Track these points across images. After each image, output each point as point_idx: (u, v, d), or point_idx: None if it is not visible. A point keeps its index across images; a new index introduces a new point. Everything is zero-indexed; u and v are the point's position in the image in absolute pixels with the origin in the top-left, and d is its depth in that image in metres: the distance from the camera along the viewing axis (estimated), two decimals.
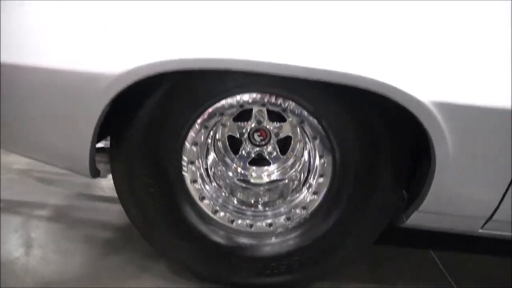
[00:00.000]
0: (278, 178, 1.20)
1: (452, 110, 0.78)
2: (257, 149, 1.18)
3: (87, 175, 1.02)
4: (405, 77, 0.77)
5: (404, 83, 0.77)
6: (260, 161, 1.20)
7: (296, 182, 1.13)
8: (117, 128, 0.96)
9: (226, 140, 1.19)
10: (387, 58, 0.78)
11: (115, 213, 1.46)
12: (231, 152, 1.20)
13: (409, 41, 0.78)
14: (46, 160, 1.08)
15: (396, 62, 0.78)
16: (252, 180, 1.19)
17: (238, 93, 0.90)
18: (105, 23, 0.83)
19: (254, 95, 0.90)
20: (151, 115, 0.92)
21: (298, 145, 1.17)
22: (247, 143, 1.17)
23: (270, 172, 1.22)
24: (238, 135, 1.15)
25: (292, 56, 0.78)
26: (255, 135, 1.15)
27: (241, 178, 1.19)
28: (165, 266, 1.18)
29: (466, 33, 0.77)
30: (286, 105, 0.91)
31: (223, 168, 1.18)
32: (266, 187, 1.19)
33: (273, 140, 1.15)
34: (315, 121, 0.92)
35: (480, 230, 1.02)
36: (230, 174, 1.18)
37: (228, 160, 1.20)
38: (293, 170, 1.18)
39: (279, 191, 1.15)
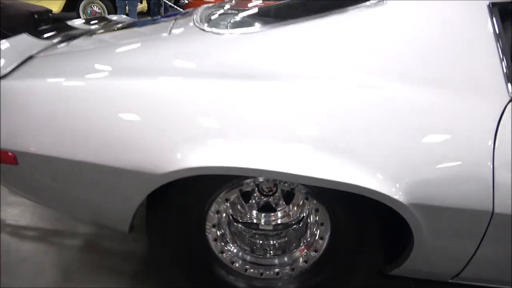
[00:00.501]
0: (282, 222, 1.39)
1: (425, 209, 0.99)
2: (265, 198, 1.37)
3: (126, 231, 1.22)
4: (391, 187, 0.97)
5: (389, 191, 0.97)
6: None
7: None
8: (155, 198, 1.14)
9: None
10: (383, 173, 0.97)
11: (141, 242, 1.66)
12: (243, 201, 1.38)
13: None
14: (88, 219, 1.28)
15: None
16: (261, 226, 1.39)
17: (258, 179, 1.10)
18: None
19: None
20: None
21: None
22: (257, 193, 1.35)
23: (276, 218, 1.41)
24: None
25: (302, 169, 0.97)
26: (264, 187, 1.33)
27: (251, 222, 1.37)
28: None
29: None
30: (295, 185, 1.11)
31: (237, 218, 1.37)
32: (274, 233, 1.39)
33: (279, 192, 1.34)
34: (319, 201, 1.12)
35: (450, 280, 1.26)
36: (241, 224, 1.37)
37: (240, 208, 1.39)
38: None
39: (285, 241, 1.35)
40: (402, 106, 1.01)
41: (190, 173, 0.98)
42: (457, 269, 1.17)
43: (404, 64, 1.03)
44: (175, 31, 1.24)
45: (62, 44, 1.35)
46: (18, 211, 1.82)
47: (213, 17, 1.39)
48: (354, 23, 1.07)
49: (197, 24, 1.23)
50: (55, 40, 1.38)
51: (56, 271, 1.52)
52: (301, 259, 1.26)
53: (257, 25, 1.24)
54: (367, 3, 1.07)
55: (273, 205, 1.34)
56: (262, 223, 1.31)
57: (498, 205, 0.98)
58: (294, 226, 1.32)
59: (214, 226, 1.22)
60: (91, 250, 1.64)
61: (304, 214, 1.29)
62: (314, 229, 1.23)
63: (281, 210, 1.32)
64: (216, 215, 1.20)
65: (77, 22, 1.74)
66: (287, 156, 0.97)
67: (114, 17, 2.08)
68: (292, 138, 0.98)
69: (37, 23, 1.74)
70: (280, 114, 1.00)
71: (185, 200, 1.14)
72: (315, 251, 1.24)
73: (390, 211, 1.03)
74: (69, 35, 1.49)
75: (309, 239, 1.26)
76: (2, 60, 1.17)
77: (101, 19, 1.94)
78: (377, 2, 1.07)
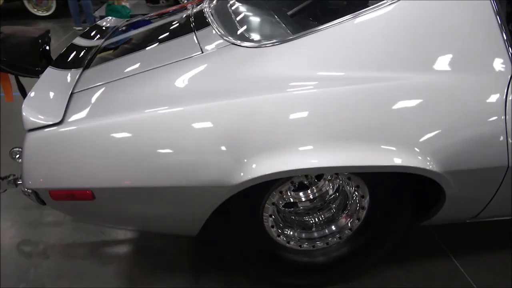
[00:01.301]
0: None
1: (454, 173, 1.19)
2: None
3: (194, 235, 1.37)
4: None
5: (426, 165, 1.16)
6: None
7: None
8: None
9: None
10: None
11: (184, 239, 1.81)
12: None
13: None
14: (159, 231, 1.40)
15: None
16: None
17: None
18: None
19: None
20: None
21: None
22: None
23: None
24: None
25: (357, 160, 1.13)
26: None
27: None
28: None
29: None
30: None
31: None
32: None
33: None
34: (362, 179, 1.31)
35: (467, 221, 1.52)
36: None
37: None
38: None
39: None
40: (421, 91, 1.17)
41: (264, 179, 1.12)
42: (476, 212, 1.42)
43: (422, 56, 1.19)
44: (207, 47, 1.31)
45: (89, 71, 1.39)
46: (59, 230, 1.90)
47: (237, 25, 1.46)
48: (383, 21, 1.19)
49: (227, 39, 1.31)
50: (80, 68, 1.42)
51: (120, 280, 1.65)
52: (347, 227, 1.46)
53: (286, 31, 1.34)
54: (385, 2, 1.20)
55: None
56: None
57: None
58: (335, 200, 1.50)
59: (270, 216, 1.38)
60: (144, 253, 1.77)
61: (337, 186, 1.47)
62: (356, 201, 1.42)
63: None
64: (271, 206, 1.36)
65: (82, 41, 1.74)
66: (342, 151, 1.13)
67: (104, 22, 2.07)
68: (340, 135, 1.14)
69: (41, 46, 1.72)
70: (325, 116, 1.14)
71: (246, 199, 1.28)
72: (358, 219, 1.44)
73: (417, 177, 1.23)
74: (86, 58, 1.52)
75: (351, 209, 1.45)
76: (48, 106, 1.22)
77: (96, 29, 1.92)
78: (391, 1, 1.20)
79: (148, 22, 1.95)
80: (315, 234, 1.49)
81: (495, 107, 1.18)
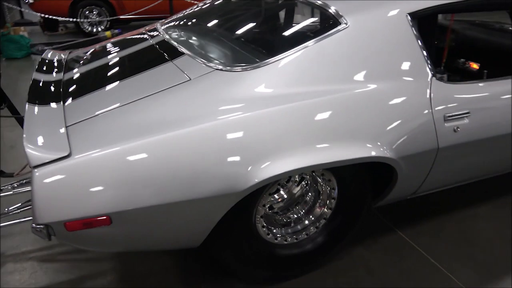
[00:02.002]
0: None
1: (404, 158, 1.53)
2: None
3: (196, 246, 1.49)
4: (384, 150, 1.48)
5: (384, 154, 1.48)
6: None
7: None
8: None
9: None
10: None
11: None
12: None
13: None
14: (166, 248, 1.47)
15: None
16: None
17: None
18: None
19: None
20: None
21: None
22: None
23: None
24: None
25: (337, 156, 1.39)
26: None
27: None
28: None
29: None
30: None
31: None
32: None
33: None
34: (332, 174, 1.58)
35: (408, 197, 1.89)
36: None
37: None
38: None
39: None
40: (374, 96, 1.50)
41: (266, 183, 1.31)
42: (415, 189, 1.79)
43: (368, 70, 1.51)
44: (192, 74, 1.46)
45: (72, 104, 1.44)
46: (33, 275, 1.81)
47: (209, 54, 1.62)
48: (334, 46, 1.49)
49: (210, 65, 1.48)
50: (59, 102, 1.46)
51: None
52: (321, 217, 1.71)
53: (254, 56, 1.56)
54: (338, 27, 1.50)
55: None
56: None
57: (441, 142, 1.59)
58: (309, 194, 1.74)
59: (262, 217, 1.57)
60: (131, 278, 1.80)
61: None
62: (327, 192, 1.68)
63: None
64: (262, 208, 1.55)
65: (43, 76, 1.73)
66: (324, 151, 1.38)
67: (49, 55, 2.05)
68: (319, 138, 1.39)
69: None
70: (305, 125, 1.39)
71: (242, 204, 1.44)
72: (330, 208, 1.71)
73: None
74: (58, 92, 1.55)
75: (323, 200, 1.70)
76: (49, 141, 1.25)
77: (48, 63, 1.90)
78: (344, 26, 1.51)
79: (102, 53, 2.00)
80: (298, 227, 1.71)
81: (424, 103, 1.56)
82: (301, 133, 1.37)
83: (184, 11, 2.41)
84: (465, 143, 1.67)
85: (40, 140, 1.25)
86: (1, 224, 1.80)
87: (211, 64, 1.50)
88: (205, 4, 2.40)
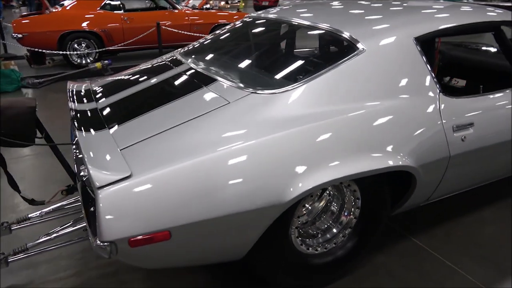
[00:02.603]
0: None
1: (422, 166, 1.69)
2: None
3: (241, 257, 1.57)
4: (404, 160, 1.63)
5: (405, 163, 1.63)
6: None
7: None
8: None
9: None
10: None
11: None
12: None
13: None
14: (212, 262, 1.55)
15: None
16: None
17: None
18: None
19: None
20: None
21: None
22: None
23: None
24: None
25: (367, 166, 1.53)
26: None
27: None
28: None
29: None
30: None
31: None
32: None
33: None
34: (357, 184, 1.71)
35: (421, 204, 2.04)
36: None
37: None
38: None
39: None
40: (393, 111, 1.66)
41: (310, 192, 1.43)
42: (428, 196, 1.95)
43: (387, 88, 1.69)
44: (230, 97, 1.59)
45: (119, 129, 1.54)
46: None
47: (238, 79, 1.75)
48: (356, 68, 1.66)
49: (246, 90, 1.62)
50: (104, 129, 1.55)
51: None
52: (348, 226, 1.83)
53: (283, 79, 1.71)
54: (357, 51, 1.68)
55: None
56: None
57: (452, 150, 1.76)
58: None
59: (296, 228, 1.67)
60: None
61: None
62: (352, 202, 1.81)
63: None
64: (297, 219, 1.66)
65: (79, 106, 1.82)
66: (354, 163, 1.52)
67: (75, 87, 2.14)
68: (352, 151, 1.53)
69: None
70: (340, 138, 1.53)
71: (282, 215, 1.55)
72: (355, 217, 1.83)
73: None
74: (100, 118, 1.64)
75: (348, 209, 1.83)
76: (108, 163, 1.34)
77: (77, 94, 1.99)
78: (361, 51, 1.68)
79: (127, 82, 2.10)
80: (327, 236, 1.82)
81: (435, 115, 1.74)
82: (335, 146, 1.51)
83: (203, 39, 2.55)
84: (472, 151, 1.85)
85: (101, 163, 1.34)
86: (50, 248, 1.84)
87: (245, 88, 1.63)
88: (222, 32, 2.56)
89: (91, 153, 1.38)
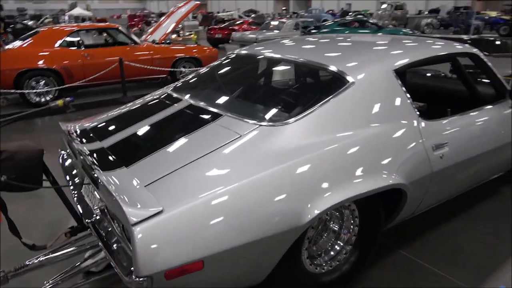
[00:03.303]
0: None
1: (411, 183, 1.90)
2: None
3: (260, 281, 1.65)
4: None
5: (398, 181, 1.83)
6: None
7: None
8: None
9: None
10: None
11: None
12: None
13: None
14: (238, 286, 1.61)
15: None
16: None
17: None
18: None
19: None
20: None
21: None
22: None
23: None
24: None
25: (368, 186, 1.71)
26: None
27: None
28: None
29: None
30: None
31: None
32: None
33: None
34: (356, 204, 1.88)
35: (407, 218, 2.25)
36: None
37: None
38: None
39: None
40: (384, 136, 1.87)
41: (323, 214, 1.57)
42: (415, 209, 2.16)
43: (376, 115, 1.90)
44: (240, 131, 1.72)
45: (135, 166, 1.60)
46: None
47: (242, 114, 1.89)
48: (348, 100, 1.86)
49: (254, 123, 1.75)
50: (122, 167, 1.61)
51: None
52: (347, 244, 1.98)
53: (284, 111, 1.86)
54: (348, 84, 1.88)
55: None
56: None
57: (434, 167, 1.99)
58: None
59: (306, 249, 1.79)
60: None
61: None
62: (351, 221, 1.96)
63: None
64: (307, 241, 1.78)
65: (88, 146, 1.85)
66: (355, 185, 1.69)
67: (70, 128, 2.15)
68: (353, 174, 1.70)
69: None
70: (341, 163, 1.70)
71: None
72: (354, 235, 1.98)
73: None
74: (114, 156, 1.69)
75: (347, 226, 1.98)
76: (138, 200, 1.40)
77: (78, 135, 2.00)
78: (351, 84, 1.89)
79: (126, 120, 2.15)
80: (332, 253, 1.95)
81: (417, 137, 1.97)
82: (342, 171, 1.68)
83: (194, 75, 2.66)
84: (449, 166, 2.10)
85: (131, 200, 1.39)
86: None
87: (253, 121, 1.77)
88: (212, 68, 2.70)
89: (119, 191, 1.43)
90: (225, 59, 2.70)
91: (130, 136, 1.92)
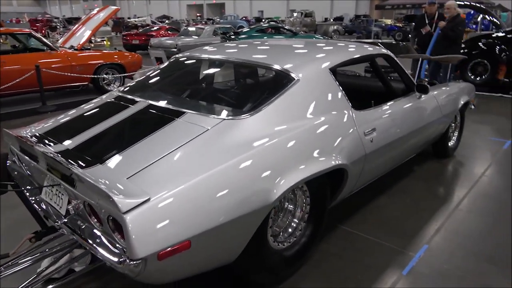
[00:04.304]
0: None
1: (351, 163, 2.23)
2: None
3: (232, 261, 1.83)
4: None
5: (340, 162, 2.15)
6: None
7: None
8: None
9: None
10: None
11: None
12: None
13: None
14: (216, 265, 1.76)
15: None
16: None
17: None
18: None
19: None
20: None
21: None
22: None
23: None
24: None
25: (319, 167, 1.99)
26: None
27: None
28: None
29: None
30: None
31: None
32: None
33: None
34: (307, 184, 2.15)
35: (346, 196, 2.60)
36: None
37: None
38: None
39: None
40: (328, 124, 2.18)
41: (289, 190, 1.81)
42: (353, 186, 2.51)
43: (318, 108, 2.19)
44: (206, 125, 1.87)
45: (112, 162, 1.68)
46: None
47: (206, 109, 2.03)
48: (294, 96, 2.12)
49: (218, 117, 1.92)
50: (97, 164, 1.68)
51: None
52: (301, 221, 2.24)
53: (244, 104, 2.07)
54: (294, 81, 2.15)
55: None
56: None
57: (366, 149, 2.36)
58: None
59: (270, 227, 2.01)
60: None
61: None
62: (303, 200, 2.23)
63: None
64: (271, 219, 2.00)
65: (59, 147, 1.84)
66: (310, 165, 1.96)
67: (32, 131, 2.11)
68: (306, 156, 1.97)
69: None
70: (299, 148, 1.95)
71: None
72: (307, 213, 2.26)
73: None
74: (84, 157, 1.74)
75: (300, 205, 2.24)
76: (125, 191, 1.49)
77: (40, 137, 1.97)
78: (297, 80, 2.16)
79: (85, 121, 2.17)
80: (289, 230, 2.20)
81: (351, 123, 2.31)
82: (299, 154, 1.93)
83: (143, 77, 2.72)
84: (378, 148, 2.48)
85: (118, 191, 1.48)
86: None
87: (216, 116, 1.94)
88: (162, 69, 2.79)
89: (104, 185, 1.50)
90: (174, 62, 2.82)
91: (95, 136, 1.96)
